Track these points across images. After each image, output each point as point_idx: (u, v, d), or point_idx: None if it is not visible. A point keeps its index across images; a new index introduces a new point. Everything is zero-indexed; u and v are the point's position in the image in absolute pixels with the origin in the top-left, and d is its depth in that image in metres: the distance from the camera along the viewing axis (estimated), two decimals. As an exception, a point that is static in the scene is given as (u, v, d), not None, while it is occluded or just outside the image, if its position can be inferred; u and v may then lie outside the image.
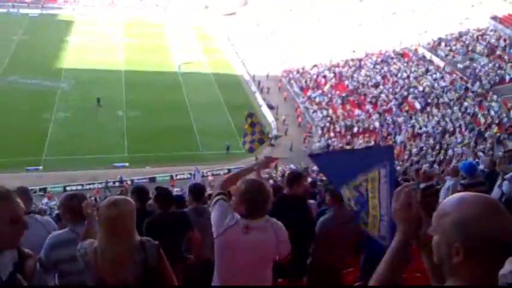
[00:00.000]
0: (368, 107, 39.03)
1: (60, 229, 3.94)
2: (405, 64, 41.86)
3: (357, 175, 3.35)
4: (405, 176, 14.43)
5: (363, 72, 44.01)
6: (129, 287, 2.89)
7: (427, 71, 38.87)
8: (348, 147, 34.95)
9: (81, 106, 39.33)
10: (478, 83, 32.94)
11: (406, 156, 30.43)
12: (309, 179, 16.11)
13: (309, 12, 58.29)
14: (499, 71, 33.13)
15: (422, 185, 8.03)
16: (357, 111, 39.21)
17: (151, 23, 64.54)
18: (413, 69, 40.37)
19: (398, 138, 33.23)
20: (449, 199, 1.56)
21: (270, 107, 43.44)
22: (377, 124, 36.26)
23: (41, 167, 30.77)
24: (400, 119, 35.09)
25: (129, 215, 2.91)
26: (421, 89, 36.82)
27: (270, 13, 62.44)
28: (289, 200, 5.20)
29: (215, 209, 3.23)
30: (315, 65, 48.67)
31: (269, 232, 3.13)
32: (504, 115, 28.79)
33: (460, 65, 36.43)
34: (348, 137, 36.67)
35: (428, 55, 40.62)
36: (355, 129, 36.96)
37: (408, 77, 39.48)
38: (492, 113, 29.61)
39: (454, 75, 35.97)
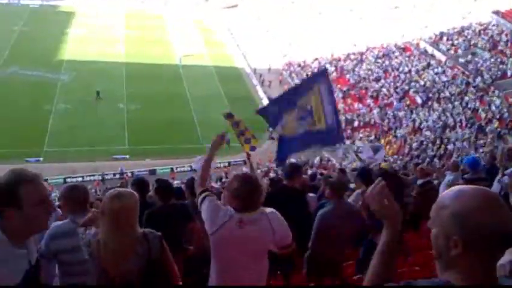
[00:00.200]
0: (369, 101, 38.98)
1: (60, 220, 3.95)
2: (407, 58, 41.77)
3: (298, 100, 3.94)
4: (405, 171, 14.43)
5: (364, 66, 43.92)
6: (132, 278, 2.91)
7: (429, 65, 38.78)
8: (348, 141, 34.98)
9: (82, 98, 39.27)
10: (479, 78, 32.87)
11: (406, 151, 30.43)
12: (309, 172, 16.13)
13: (311, 6, 58.10)
14: (500, 66, 33.05)
15: (419, 181, 8.06)
16: (358, 105, 39.16)
17: (152, 15, 64.37)
18: (414, 63, 40.28)
19: (399, 132, 33.21)
20: (447, 192, 1.56)
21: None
22: (377, 118, 36.23)
23: (41, 159, 30.78)
24: (401, 113, 35.04)
25: (133, 208, 2.94)
26: (422, 83, 36.76)
27: (271, 6, 62.20)
28: (289, 191, 5.24)
29: (205, 206, 3.21)
30: (316, 59, 48.59)
31: (263, 223, 3.11)
32: (505, 110, 28.77)
33: (461, 60, 36.34)
34: (349, 131, 36.63)
35: (430, 49, 40.52)
36: (356, 124, 36.94)
37: (410, 71, 39.40)
38: (493, 107, 29.57)
39: (456, 69, 35.89)
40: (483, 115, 29.34)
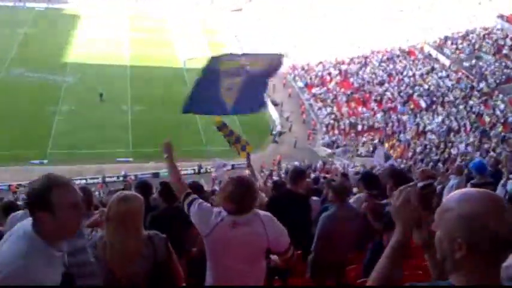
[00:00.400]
0: (373, 104, 38.94)
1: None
2: (411, 62, 41.71)
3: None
4: (409, 175, 14.36)
5: (368, 69, 43.89)
6: (139, 280, 2.92)
7: (433, 69, 38.72)
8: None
9: (86, 100, 39.37)
10: (483, 82, 32.79)
11: (410, 154, 30.38)
12: (312, 175, 16.14)
13: (315, 9, 58.10)
14: (505, 70, 32.97)
15: (420, 184, 8.02)
16: (361, 109, 39.13)
17: (157, 18, 64.51)
18: (419, 67, 40.22)
19: (403, 136, 33.15)
20: (452, 195, 1.57)
21: (275, 104, 43.36)
22: (381, 122, 36.18)
23: (45, 161, 30.87)
24: (405, 117, 34.99)
25: (138, 211, 2.97)
26: (426, 87, 36.69)
27: (275, 9, 62.27)
28: (293, 196, 5.24)
29: (195, 209, 3.20)
30: (320, 62, 48.57)
31: (257, 225, 3.11)
32: (509, 114, 28.67)
33: (466, 64, 36.26)
34: (352, 134, 36.61)
35: (434, 53, 40.46)
36: (360, 127, 36.89)
37: (414, 75, 39.33)
38: (498, 112, 29.49)
39: (460, 73, 35.82)
40: (487, 119, 29.26)
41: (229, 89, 4.62)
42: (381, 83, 40.90)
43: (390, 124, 35.35)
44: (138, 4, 67.95)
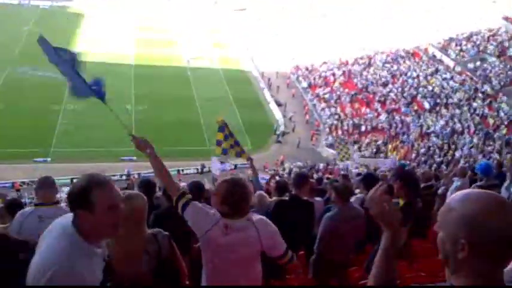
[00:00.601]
0: (377, 105, 38.88)
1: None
2: (415, 63, 41.65)
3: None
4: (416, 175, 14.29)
5: (372, 70, 43.84)
6: (144, 278, 2.93)
7: (437, 70, 38.64)
8: (355, 146, 34.96)
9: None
10: (488, 84, 32.70)
11: (413, 156, 30.33)
12: (315, 176, 16.12)
13: (319, 10, 58.08)
14: (509, 72, 32.92)
15: (421, 185, 8.01)
16: (365, 110, 39.08)
17: (161, 18, 64.59)
18: (423, 68, 40.15)
19: (406, 138, 33.09)
20: (455, 195, 1.57)
21: (278, 104, 43.38)
22: (385, 123, 36.13)
23: (49, 159, 30.94)
24: (409, 119, 34.93)
25: (142, 209, 2.99)
26: (430, 88, 36.61)
27: (279, 10, 62.26)
28: (297, 201, 5.27)
29: (190, 211, 3.15)
30: (324, 62, 48.55)
31: (250, 230, 3.07)
32: (514, 116, 28.64)
33: (470, 65, 36.18)
34: (356, 135, 36.57)
35: (438, 54, 40.40)
36: (363, 128, 36.84)
37: (418, 76, 39.27)
38: (502, 114, 29.41)
39: (464, 75, 35.74)
40: (491, 121, 29.18)
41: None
42: (385, 84, 40.85)
43: (394, 125, 35.30)
44: (143, 3, 68.01)
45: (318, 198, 6.53)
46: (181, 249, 3.37)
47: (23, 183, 27.98)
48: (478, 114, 30.69)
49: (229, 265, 3.06)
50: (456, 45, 40.00)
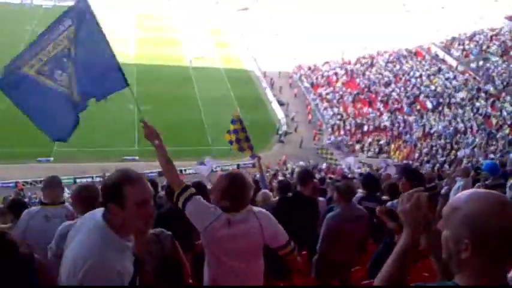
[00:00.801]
0: (379, 105, 38.83)
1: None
2: (418, 63, 41.58)
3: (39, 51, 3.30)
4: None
5: (375, 70, 43.79)
6: (148, 278, 2.93)
7: (440, 70, 38.57)
8: (358, 145, 34.92)
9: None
10: (490, 84, 32.63)
11: (416, 156, 30.28)
12: (317, 176, 16.13)
13: (321, 9, 58.02)
14: (512, 72, 32.82)
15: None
16: (368, 110, 39.02)
17: (163, 17, 64.67)
18: (425, 68, 40.08)
19: (409, 138, 33.03)
20: (460, 195, 1.57)
21: (281, 104, 43.37)
22: (387, 123, 36.06)
23: (51, 159, 31.01)
24: (411, 118, 34.87)
25: None
26: (433, 88, 36.55)
27: (281, 9, 62.23)
28: (304, 198, 5.25)
29: (192, 206, 3.15)
30: (327, 62, 48.53)
31: (252, 221, 3.09)
32: (517, 116, 28.57)
33: (473, 65, 36.11)
34: (358, 135, 36.52)
35: (441, 54, 40.32)
36: (366, 128, 36.77)
37: (420, 76, 39.20)
38: (504, 113, 29.34)
39: (467, 75, 35.67)
40: (494, 121, 29.11)
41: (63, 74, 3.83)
42: (387, 84, 40.79)
43: (396, 125, 35.24)
44: (144, 3, 68.08)
45: (320, 198, 6.53)
46: (183, 247, 3.38)
47: (26, 182, 28.08)
48: (480, 114, 30.61)
49: (232, 257, 3.06)
50: (459, 44, 39.93)
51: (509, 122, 28.26)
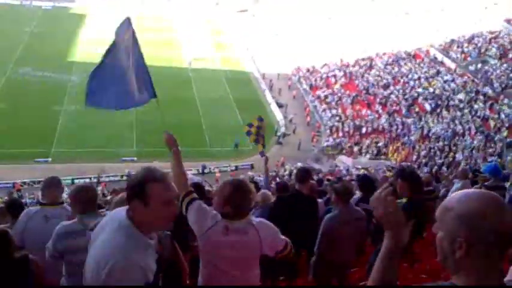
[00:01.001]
0: (377, 107, 38.86)
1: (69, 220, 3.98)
2: (416, 65, 41.64)
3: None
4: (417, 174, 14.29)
5: (373, 72, 43.84)
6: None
7: (438, 72, 38.63)
8: (356, 147, 34.93)
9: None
10: (489, 86, 32.69)
11: (414, 158, 30.30)
12: (315, 177, 16.10)
13: (320, 11, 58.09)
14: (510, 74, 32.86)
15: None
16: (366, 112, 39.05)
17: (162, 18, 64.67)
18: (424, 70, 40.13)
19: (407, 140, 33.06)
20: (453, 195, 1.58)
21: (279, 105, 43.40)
22: (386, 125, 36.10)
23: (50, 159, 30.98)
24: (410, 120, 34.90)
25: None
26: (431, 90, 36.59)
27: (281, 11, 62.27)
28: (303, 197, 5.24)
29: (193, 210, 3.16)
30: (325, 64, 48.56)
31: (250, 233, 3.07)
32: (515, 119, 28.60)
33: (471, 67, 36.17)
34: (357, 137, 36.55)
35: (439, 56, 40.39)
36: (364, 130, 36.81)
37: (419, 78, 39.25)
38: (502, 116, 29.38)
39: (466, 77, 35.72)
40: (492, 123, 29.15)
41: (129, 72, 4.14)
42: (386, 86, 40.83)
43: (394, 127, 35.28)
44: (144, 4, 68.09)
45: (319, 200, 6.53)
46: (181, 247, 3.38)
47: (24, 183, 28.05)
48: (479, 117, 30.65)
49: (228, 265, 3.06)
50: (457, 47, 40.00)
51: (507, 125, 28.30)
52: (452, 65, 38.15)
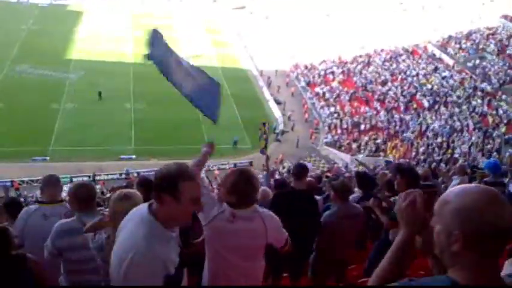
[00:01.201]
0: (376, 104, 38.89)
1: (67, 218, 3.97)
2: (414, 62, 41.65)
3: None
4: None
5: (372, 68, 43.84)
6: None
7: (436, 69, 38.65)
8: (354, 144, 34.95)
9: (89, 97, 39.36)
10: (487, 82, 32.72)
11: (413, 154, 30.34)
12: (313, 174, 16.12)
13: (318, 8, 58.01)
14: (508, 71, 32.92)
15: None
16: (364, 108, 39.08)
17: (160, 16, 64.47)
18: (422, 66, 40.15)
19: (405, 136, 33.10)
20: (451, 189, 1.59)
21: (278, 102, 43.37)
22: (384, 122, 36.13)
23: (47, 158, 30.91)
24: (408, 117, 34.94)
25: None
26: (429, 87, 36.62)
27: (278, 7, 62.17)
28: (300, 192, 5.22)
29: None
30: (324, 61, 48.53)
31: (256, 221, 3.11)
32: (513, 115, 28.66)
33: (469, 64, 36.19)
34: (355, 133, 36.56)
35: (437, 53, 40.41)
36: (362, 126, 36.83)
37: (417, 74, 39.27)
38: (501, 112, 29.42)
39: (464, 73, 35.75)
40: (490, 120, 29.19)
41: (180, 72, 4.32)
42: (384, 83, 40.85)
43: (393, 124, 35.31)
44: (142, 2, 67.95)
45: (317, 197, 6.52)
46: (181, 246, 3.37)
47: (22, 182, 27.99)
48: (477, 113, 30.71)
49: (233, 253, 3.07)
50: (455, 43, 40.02)
51: (505, 121, 28.35)
52: (451, 61, 38.17)
